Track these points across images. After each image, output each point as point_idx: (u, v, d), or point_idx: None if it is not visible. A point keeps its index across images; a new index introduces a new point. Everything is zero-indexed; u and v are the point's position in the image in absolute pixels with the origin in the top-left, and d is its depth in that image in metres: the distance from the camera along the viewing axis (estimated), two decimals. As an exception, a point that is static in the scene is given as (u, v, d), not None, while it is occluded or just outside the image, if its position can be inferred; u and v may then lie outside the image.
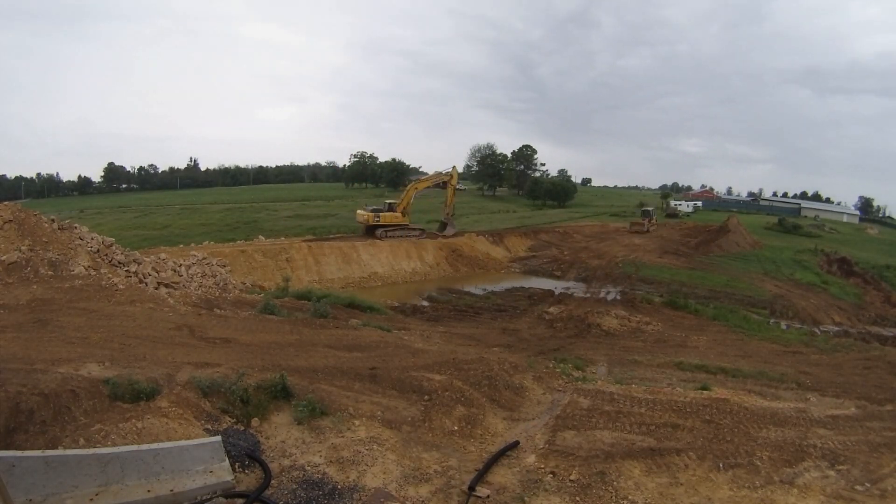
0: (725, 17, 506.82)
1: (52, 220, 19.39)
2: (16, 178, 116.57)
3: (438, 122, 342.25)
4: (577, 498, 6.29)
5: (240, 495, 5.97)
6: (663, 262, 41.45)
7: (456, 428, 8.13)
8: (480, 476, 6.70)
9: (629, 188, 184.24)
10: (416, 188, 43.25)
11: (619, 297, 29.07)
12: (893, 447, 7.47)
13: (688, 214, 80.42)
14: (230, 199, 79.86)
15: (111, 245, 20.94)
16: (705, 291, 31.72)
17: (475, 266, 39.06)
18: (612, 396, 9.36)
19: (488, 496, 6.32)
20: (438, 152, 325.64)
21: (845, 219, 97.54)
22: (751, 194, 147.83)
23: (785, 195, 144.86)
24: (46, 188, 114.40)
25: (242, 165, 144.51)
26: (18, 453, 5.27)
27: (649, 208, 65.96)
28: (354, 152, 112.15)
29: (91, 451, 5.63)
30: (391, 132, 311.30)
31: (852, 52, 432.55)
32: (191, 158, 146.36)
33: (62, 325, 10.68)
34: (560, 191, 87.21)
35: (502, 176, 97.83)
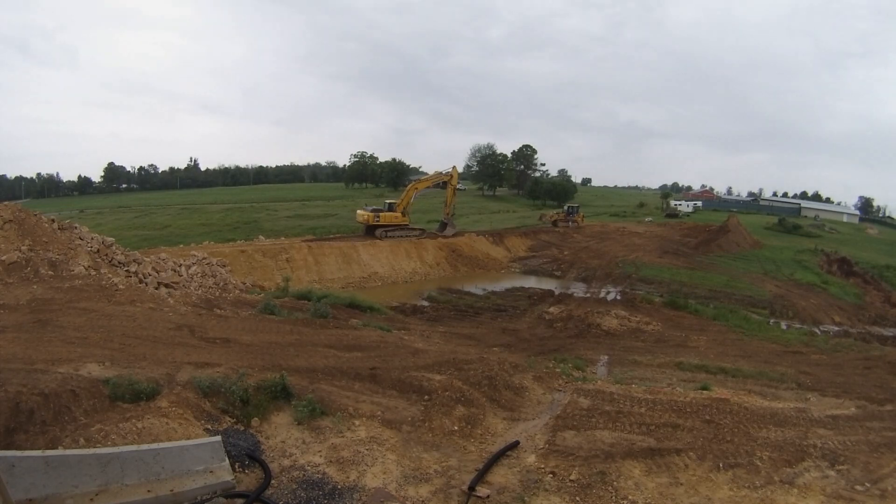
0: None
1: (52, 220, 19.38)
2: (16, 178, 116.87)
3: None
4: (577, 498, 6.29)
5: (240, 495, 5.97)
6: (663, 262, 41.45)
7: (456, 428, 8.13)
8: (480, 476, 6.70)
9: (629, 188, 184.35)
10: (416, 188, 43.23)
11: (619, 297, 29.06)
12: (893, 447, 7.46)
13: (688, 214, 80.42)
14: (230, 199, 79.92)
15: (111, 245, 20.92)
16: (705, 291, 31.70)
17: (475, 266, 39.04)
18: (612, 396, 9.35)
19: (488, 496, 6.32)
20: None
21: (845, 219, 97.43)
22: (751, 194, 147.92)
23: (785, 195, 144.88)
24: (46, 188, 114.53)
25: (242, 165, 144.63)
26: (18, 453, 5.28)
27: (575, 205, 62.37)
28: (354, 152, 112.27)
29: (91, 451, 5.63)
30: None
31: None
32: (191, 158, 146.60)
33: (62, 325, 10.67)
34: (560, 191, 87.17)
35: (502, 176, 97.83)
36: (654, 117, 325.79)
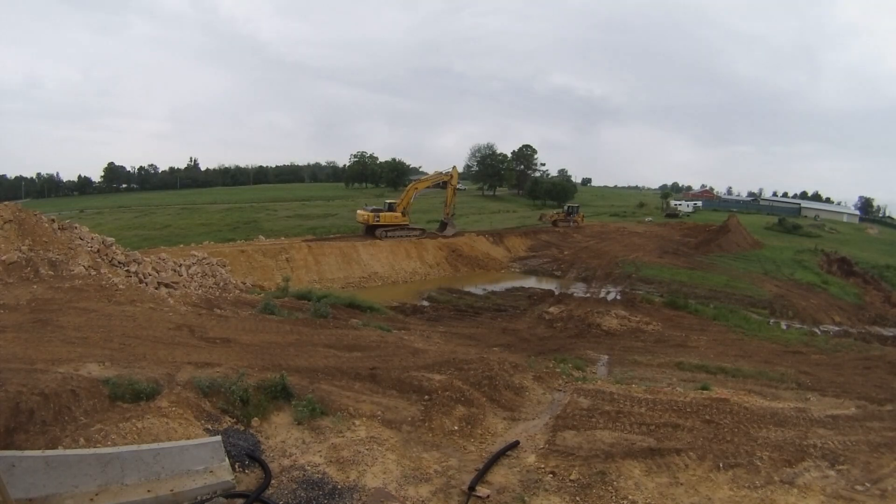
0: None
1: (52, 220, 19.37)
2: (16, 178, 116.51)
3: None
4: (577, 498, 6.29)
5: (240, 495, 5.97)
6: (663, 262, 41.45)
7: (456, 428, 8.14)
8: (480, 476, 6.70)
9: (629, 188, 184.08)
10: (417, 188, 43.24)
11: (619, 297, 29.06)
12: (893, 447, 7.47)
13: (688, 214, 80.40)
14: (230, 199, 79.83)
15: (111, 245, 20.91)
16: (705, 291, 31.69)
17: (475, 266, 39.03)
18: (612, 396, 9.35)
19: (488, 496, 6.32)
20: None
21: (845, 219, 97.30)
22: (751, 194, 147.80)
23: (785, 195, 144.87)
24: (46, 188, 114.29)
25: (242, 165, 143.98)
26: (19, 453, 5.28)
27: (575, 205, 62.66)
28: (354, 152, 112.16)
29: (91, 450, 5.64)
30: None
31: None
32: (191, 158, 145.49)
33: (62, 325, 10.67)
34: (560, 191, 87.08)
35: (502, 176, 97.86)
36: (601, 88, 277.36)
